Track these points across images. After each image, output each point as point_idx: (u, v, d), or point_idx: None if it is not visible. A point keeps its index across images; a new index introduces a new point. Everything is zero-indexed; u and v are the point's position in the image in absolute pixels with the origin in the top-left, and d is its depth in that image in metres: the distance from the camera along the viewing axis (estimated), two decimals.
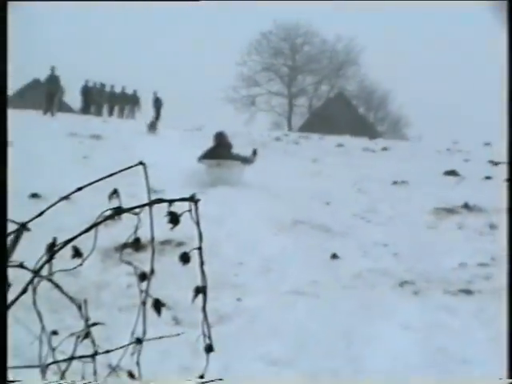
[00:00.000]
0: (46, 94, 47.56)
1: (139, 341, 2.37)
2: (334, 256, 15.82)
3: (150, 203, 2.28)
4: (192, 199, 2.32)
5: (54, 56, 66.10)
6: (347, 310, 12.26)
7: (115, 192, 2.35)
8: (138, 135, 33.46)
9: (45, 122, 37.57)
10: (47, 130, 32.68)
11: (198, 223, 2.31)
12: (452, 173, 27.19)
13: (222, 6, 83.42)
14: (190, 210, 2.34)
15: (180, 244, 13.95)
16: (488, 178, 26.99)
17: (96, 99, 56.38)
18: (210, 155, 24.26)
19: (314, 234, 17.51)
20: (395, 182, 24.91)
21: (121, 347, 2.41)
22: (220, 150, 24.43)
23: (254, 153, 24.91)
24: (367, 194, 22.68)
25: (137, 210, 2.33)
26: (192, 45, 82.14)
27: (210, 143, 28.84)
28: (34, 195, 16.96)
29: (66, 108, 53.25)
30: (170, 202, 2.31)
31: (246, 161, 24.58)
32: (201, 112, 49.74)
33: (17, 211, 2.56)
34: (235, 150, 26.23)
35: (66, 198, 2.73)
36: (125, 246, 2.38)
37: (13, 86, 63.90)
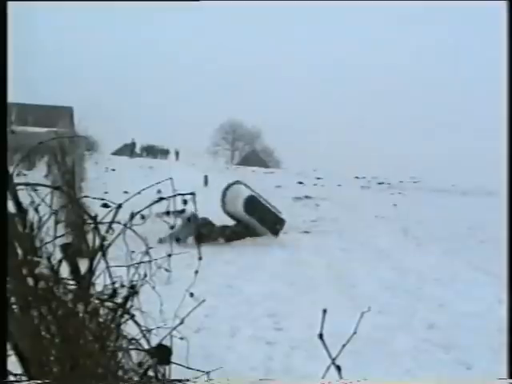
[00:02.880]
0: (129, 150, 47.92)
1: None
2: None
3: (174, 195, 2.22)
4: (192, 193, 2.28)
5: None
6: None
7: (159, 191, 2.30)
8: (170, 166, 33.03)
9: (128, 161, 37.02)
10: (129, 164, 32.25)
11: (194, 202, 2.25)
12: (300, 182, 27.32)
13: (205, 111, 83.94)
14: (192, 198, 2.30)
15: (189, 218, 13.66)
16: (315, 184, 27.14)
17: (150, 151, 56.96)
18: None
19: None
20: (277, 186, 24.89)
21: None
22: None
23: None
24: (265, 192, 22.47)
25: (168, 198, 2.28)
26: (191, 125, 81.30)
27: (197, 170, 28.80)
28: (125, 192, 16.53)
29: (138, 155, 52.72)
30: (183, 194, 2.25)
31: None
32: (194, 157, 49.19)
33: (119, 199, 2.49)
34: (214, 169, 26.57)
35: (138, 193, 2.64)
36: (161, 213, 2.35)
37: (115, 146, 62.82)
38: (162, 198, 2.21)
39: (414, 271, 9.82)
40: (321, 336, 1.26)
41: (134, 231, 2.20)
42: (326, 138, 78.33)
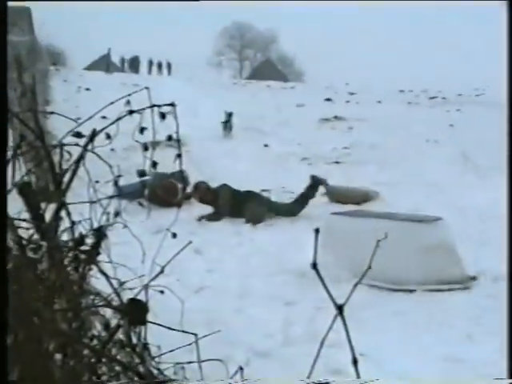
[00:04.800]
0: (107, 63, 47.46)
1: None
2: (266, 145, 15.82)
3: (150, 107, 2.12)
4: (172, 104, 2.17)
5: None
6: (274, 172, 12.30)
7: (128, 102, 2.19)
8: (156, 82, 32.65)
9: (107, 78, 36.61)
10: (109, 82, 31.92)
11: (175, 117, 2.14)
12: (328, 99, 27.00)
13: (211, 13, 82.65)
14: (173, 110, 2.18)
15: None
16: (347, 101, 26.86)
17: (135, 64, 56.33)
18: None
19: (254, 134, 17.40)
20: (298, 105, 24.63)
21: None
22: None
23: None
24: (283, 112, 22.39)
25: (141, 111, 2.18)
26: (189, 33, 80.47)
27: (193, 85, 28.63)
28: (103, 117, 16.27)
29: (118, 69, 52.30)
30: (159, 106, 2.14)
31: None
32: (191, 70, 48.63)
33: (96, 126, 2.40)
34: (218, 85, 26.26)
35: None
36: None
37: (90, 58, 62.13)
38: (131, 112, 2.10)
39: (475, 209, 9.76)
40: (314, 266, 1.20)
41: (96, 154, 2.11)
42: (362, 41, 77.01)
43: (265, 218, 9.07)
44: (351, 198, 9.91)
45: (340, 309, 1.22)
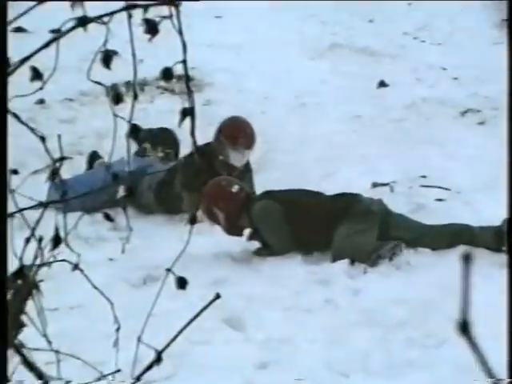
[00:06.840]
0: None
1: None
2: (382, 84, 15.63)
3: (122, 9, 2.12)
4: (172, 2, 2.11)
5: None
6: (402, 144, 12.26)
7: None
8: None
9: None
10: None
11: (180, 32, 2.15)
12: None
13: None
14: (170, 16, 2.16)
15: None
16: None
17: None
18: None
19: (356, 58, 17.11)
20: None
21: None
22: None
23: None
24: (419, 7, 22.02)
25: (105, 19, 2.19)
26: None
27: None
28: (19, 30, 16.30)
29: None
30: (146, 6, 2.12)
31: None
32: None
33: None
34: None
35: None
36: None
37: None
38: (85, 19, 2.12)
39: None
40: (464, 327, 1.22)
41: (14, 115, 2.17)
42: None
43: (375, 252, 8.97)
44: None
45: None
